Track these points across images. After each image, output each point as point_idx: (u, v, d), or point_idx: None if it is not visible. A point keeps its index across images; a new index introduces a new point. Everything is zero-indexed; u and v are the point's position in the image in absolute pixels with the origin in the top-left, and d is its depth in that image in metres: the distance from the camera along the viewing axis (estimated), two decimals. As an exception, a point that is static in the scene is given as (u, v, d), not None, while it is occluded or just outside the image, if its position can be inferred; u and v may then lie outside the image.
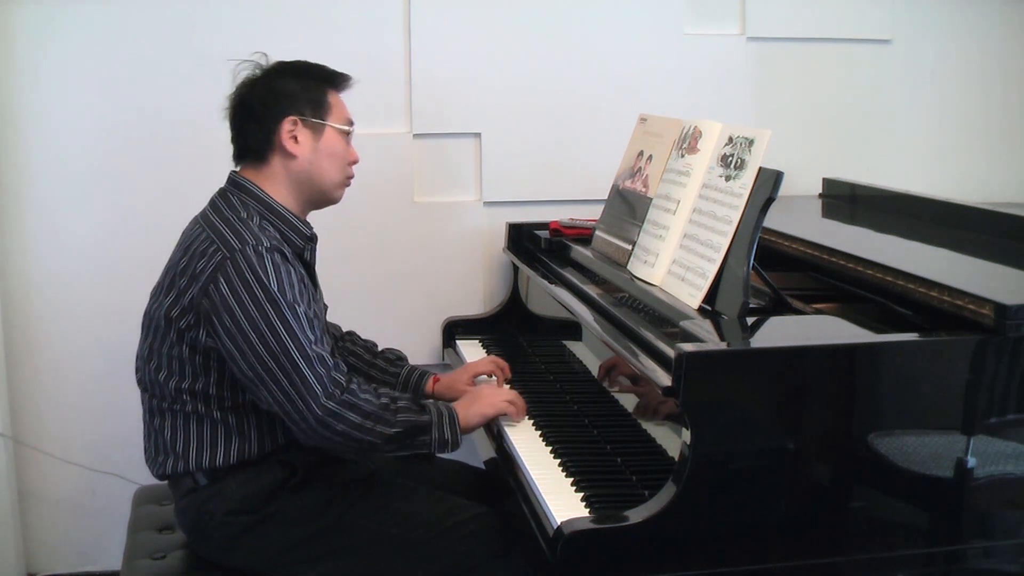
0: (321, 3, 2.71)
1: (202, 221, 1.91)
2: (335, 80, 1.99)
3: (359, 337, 2.29)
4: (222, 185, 1.98)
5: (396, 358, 2.28)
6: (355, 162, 2.01)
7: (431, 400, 1.92)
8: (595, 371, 2.14)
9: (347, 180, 2.00)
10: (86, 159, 2.67)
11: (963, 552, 1.63)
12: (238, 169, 1.98)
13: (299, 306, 1.81)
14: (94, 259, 2.71)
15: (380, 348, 2.30)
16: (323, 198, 1.99)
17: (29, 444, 2.75)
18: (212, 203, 1.95)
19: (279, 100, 1.91)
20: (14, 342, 2.72)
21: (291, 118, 1.91)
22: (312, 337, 1.80)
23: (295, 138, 1.91)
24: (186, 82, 2.65)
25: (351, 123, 2.00)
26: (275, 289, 1.78)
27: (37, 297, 2.71)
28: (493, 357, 2.32)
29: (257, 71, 1.96)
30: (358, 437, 1.79)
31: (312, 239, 2.00)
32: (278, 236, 1.89)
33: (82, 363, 2.74)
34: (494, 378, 2.25)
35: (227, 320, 1.77)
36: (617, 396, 1.97)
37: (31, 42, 2.60)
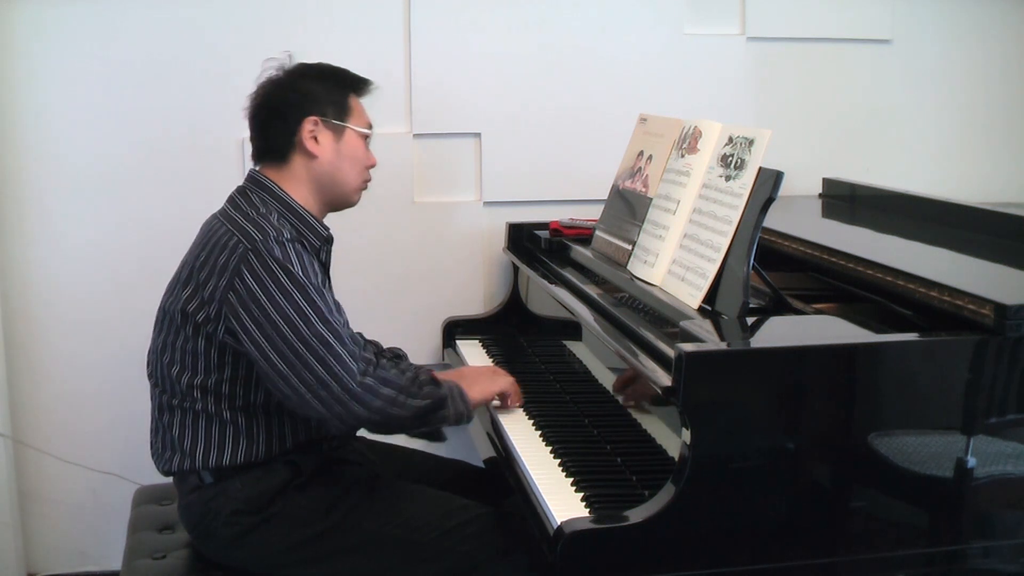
0: (321, 3, 2.71)
1: (221, 217, 1.92)
2: (357, 85, 2.01)
3: (362, 336, 2.29)
4: (230, 184, 1.98)
5: (394, 356, 2.29)
6: (373, 166, 2.03)
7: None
8: (595, 371, 2.14)
9: (364, 184, 2.04)
10: (87, 160, 2.66)
11: (963, 552, 1.63)
12: (258, 168, 1.99)
13: (325, 290, 1.84)
14: (94, 260, 2.71)
15: (384, 347, 2.31)
16: (341, 200, 2.01)
17: (29, 444, 2.75)
18: (231, 200, 1.96)
19: (302, 100, 1.93)
20: (14, 342, 2.72)
21: (313, 118, 1.93)
22: (341, 320, 1.84)
23: (316, 138, 1.93)
24: (188, 84, 2.65)
25: (371, 127, 2.02)
26: (300, 275, 1.79)
27: (37, 297, 2.71)
28: (511, 380, 2.14)
29: (280, 72, 1.98)
30: (392, 412, 1.80)
31: (328, 240, 2.01)
32: (296, 233, 1.91)
33: (82, 363, 2.74)
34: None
35: (256, 311, 1.77)
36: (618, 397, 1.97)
37: (32, 42, 2.60)
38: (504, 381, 2.07)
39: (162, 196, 2.68)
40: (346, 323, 1.92)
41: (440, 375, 1.96)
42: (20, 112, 2.63)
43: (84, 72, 2.63)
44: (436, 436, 2.08)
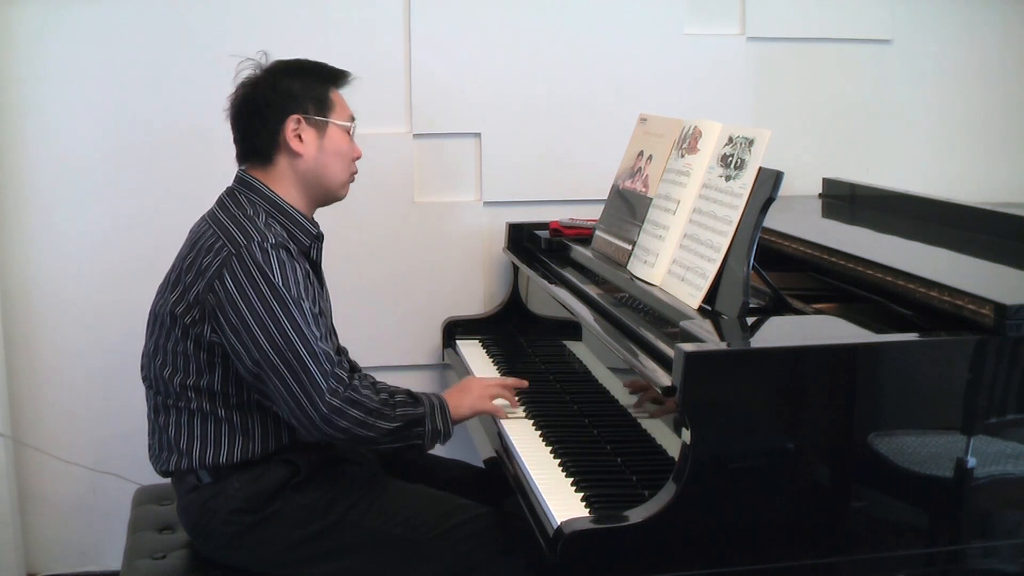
0: (321, 3, 2.71)
1: (209, 219, 1.92)
2: (336, 77, 1.99)
3: (340, 353, 2.29)
4: (229, 184, 1.98)
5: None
6: (358, 157, 2.02)
7: (424, 392, 1.93)
8: (595, 371, 2.14)
9: (351, 177, 2.02)
10: (87, 159, 2.66)
11: (963, 552, 1.63)
12: (244, 168, 1.99)
13: (304, 302, 1.82)
14: (94, 259, 2.71)
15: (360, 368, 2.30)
16: (329, 196, 2.00)
17: (29, 444, 2.74)
18: (220, 201, 1.96)
19: (282, 99, 1.92)
20: (14, 342, 2.72)
21: (295, 117, 1.92)
22: (317, 333, 1.81)
23: (299, 137, 1.92)
24: (187, 82, 2.65)
25: (353, 119, 2.01)
26: (280, 284, 1.79)
27: (37, 297, 2.71)
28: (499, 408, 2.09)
29: (258, 71, 1.97)
30: (360, 433, 1.81)
31: (319, 238, 2.01)
32: (284, 234, 1.90)
33: (82, 363, 2.74)
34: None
35: (232, 315, 1.78)
36: (617, 396, 1.97)
37: (32, 42, 2.60)
38: (491, 406, 2.02)
39: (161, 195, 2.68)
40: (324, 335, 1.88)
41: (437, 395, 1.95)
42: (20, 112, 2.63)
43: (84, 72, 2.63)
44: (416, 449, 1.97)
